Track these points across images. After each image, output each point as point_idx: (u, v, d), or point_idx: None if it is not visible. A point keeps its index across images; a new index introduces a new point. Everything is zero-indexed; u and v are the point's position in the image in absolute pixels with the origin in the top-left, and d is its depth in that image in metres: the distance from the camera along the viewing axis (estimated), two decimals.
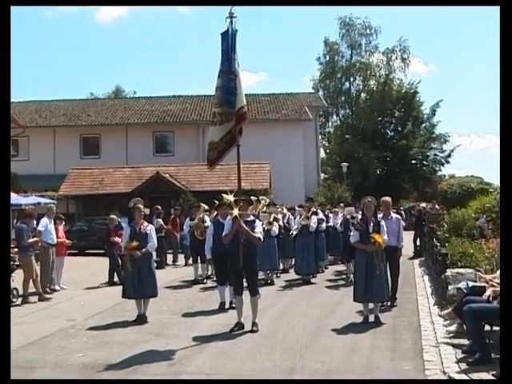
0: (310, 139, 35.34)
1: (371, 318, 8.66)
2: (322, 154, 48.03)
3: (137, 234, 9.19)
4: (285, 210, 15.54)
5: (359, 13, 48.26)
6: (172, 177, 27.95)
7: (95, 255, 20.72)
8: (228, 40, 7.96)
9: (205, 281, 13.88)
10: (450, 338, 7.44)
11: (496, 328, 6.48)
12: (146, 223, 9.40)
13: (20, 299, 11.30)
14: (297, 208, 15.18)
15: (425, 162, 48.10)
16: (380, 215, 9.45)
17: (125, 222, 19.13)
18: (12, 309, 10.36)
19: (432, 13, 76.10)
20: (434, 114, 48.37)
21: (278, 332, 8.16)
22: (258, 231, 8.53)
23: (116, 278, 13.75)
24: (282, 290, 12.53)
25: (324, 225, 14.87)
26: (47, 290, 12.22)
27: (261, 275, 12.09)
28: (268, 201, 13.91)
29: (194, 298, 11.54)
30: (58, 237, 12.86)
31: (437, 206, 21.80)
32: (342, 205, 17.23)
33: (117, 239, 13.71)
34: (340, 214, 15.20)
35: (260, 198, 13.76)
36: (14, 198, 19.53)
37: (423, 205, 21.71)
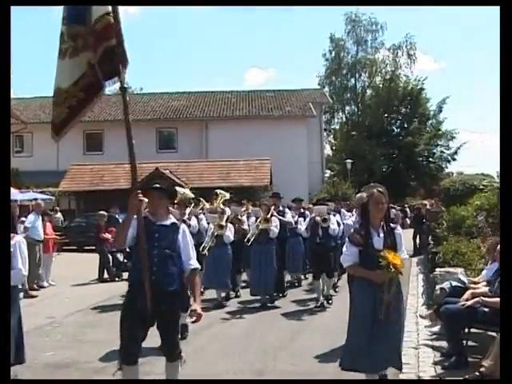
0: (314, 136, 35.04)
1: None
2: (328, 150, 47.82)
3: None
4: (250, 209, 12.31)
5: (365, 9, 47.83)
6: (172, 173, 27.77)
7: (93, 251, 20.56)
8: None
9: None
10: (431, 339, 7.21)
11: (474, 330, 6.24)
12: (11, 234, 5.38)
13: None
14: (251, 208, 12.24)
15: (431, 159, 47.55)
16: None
17: (122, 218, 19.21)
18: None
19: (441, 9, 75.44)
20: (441, 111, 47.78)
21: None
22: (188, 258, 4.79)
23: (106, 275, 13.69)
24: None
25: (303, 227, 10.81)
26: (34, 286, 12.09)
27: (210, 295, 10.22)
28: (227, 196, 11.44)
29: None
30: (45, 233, 12.73)
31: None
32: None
33: (107, 235, 13.69)
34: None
35: (218, 191, 11.45)
36: (11, 194, 19.44)
37: (424, 202, 21.38)
